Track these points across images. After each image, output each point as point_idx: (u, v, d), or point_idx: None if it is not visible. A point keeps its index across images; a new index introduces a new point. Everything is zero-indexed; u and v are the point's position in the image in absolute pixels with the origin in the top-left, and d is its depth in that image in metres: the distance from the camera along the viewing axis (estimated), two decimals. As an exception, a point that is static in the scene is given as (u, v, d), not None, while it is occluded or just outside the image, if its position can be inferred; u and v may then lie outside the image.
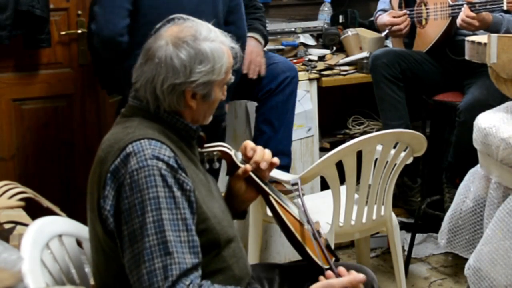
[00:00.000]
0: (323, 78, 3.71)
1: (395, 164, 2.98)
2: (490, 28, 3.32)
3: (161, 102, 1.90)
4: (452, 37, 3.58)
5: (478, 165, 2.58)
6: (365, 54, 3.83)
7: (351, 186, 2.88)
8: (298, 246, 2.08)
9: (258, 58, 3.25)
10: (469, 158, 2.74)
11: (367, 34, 4.00)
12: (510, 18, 3.38)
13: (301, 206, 2.14)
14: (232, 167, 2.09)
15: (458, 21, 3.38)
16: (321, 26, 4.05)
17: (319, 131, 3.74)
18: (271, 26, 3.81)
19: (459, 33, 3.52)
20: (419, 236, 3.82)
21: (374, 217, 3.01)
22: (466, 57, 2.73)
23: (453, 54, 3.54)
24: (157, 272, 1.75)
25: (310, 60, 3.86)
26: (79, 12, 3.50)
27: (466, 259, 2.56)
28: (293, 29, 3.97)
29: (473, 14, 3.31)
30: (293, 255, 3.33)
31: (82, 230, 2.10)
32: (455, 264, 3.71)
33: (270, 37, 3.73)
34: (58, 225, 2.08)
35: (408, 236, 3.73)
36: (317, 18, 4.17)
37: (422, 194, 3.84)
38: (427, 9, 3.67)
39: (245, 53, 3.09)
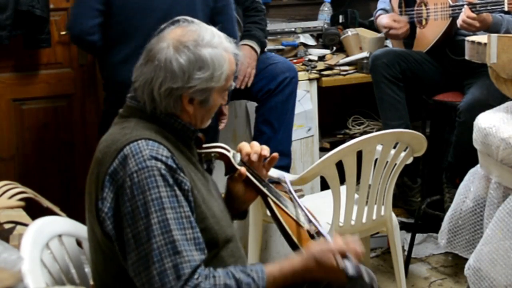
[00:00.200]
0: (323, 78, 3.71)
1: (395, 164, 2.98)
2: (490, 28, 3.31)
3: (158, 104, 1.89)
4: (452, 37, 3.58)
5: (478, 165, 2.58)
6: (365, 54, 3.83)
7: (351, 186, 2.88)
8: (294, 247, 2.08)
9: (249, 70, 3.25)
10: (469, 158, 2.74)
11: (367, 34, 3.99)
12: (510, 19, 3.37)
13: (299, 206, 2.14)
14: (230, 168, 2.08)
15: (459, 21, 3.37)
16: (321, 26, 4.05)
17: (319, 131, 3.74)
18: (271, 26, 3.81)
19: (459, 33, 3.51)
20: (419, 236, 3.81)
21: (374, 217, 3.01)
22: (466, 57, 2.73)
23: (453, 54, 3.53)
24: (168, 272, 1.75)
25: (310, 60, 3.86)
26: (79, 12, 3.50)
27: (466, 259, 2.56)
28: (293, 29, 3.97)
29: (474, 15, 3.30)
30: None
31: (82, 230, 2.09)
32: (455, 264, 3.71)
33: (270, 37, 3.73)
34: (58, 225, 2.08)
35: (408, 236, 3.72)
36: (317, 18, 4.17)
37: (422, 194, 3.83)
38: (427, 9, 3.66)
39: None
